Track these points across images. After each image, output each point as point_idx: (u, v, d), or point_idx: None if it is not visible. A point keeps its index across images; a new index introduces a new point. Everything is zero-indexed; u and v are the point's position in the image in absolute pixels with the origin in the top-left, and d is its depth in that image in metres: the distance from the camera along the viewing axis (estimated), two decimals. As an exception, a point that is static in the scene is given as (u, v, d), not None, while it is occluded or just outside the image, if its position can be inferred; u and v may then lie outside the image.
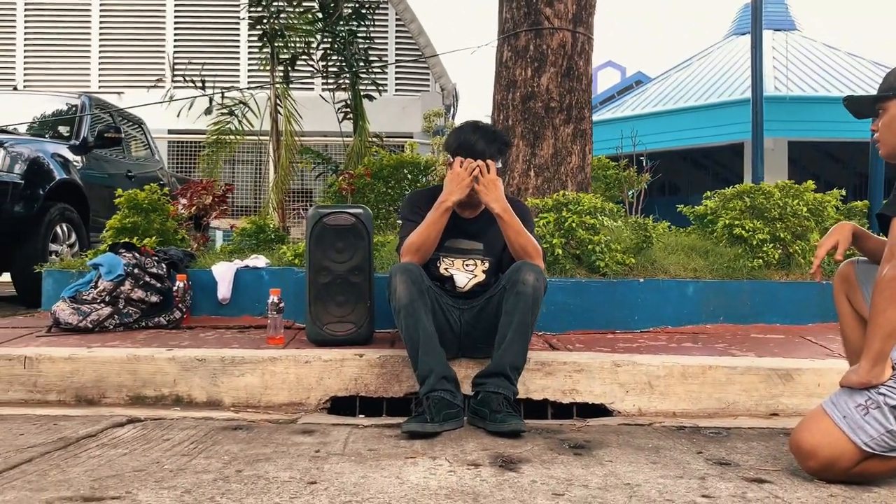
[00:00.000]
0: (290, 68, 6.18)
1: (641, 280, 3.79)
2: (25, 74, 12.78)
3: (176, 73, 6.18)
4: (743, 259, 4.03)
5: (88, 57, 12.96)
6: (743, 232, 4.07)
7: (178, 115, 6.13)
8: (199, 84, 6.07)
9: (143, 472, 1.90)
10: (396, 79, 13.08)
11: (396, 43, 13.01)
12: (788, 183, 4.28)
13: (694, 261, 4.08)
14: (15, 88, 8.57)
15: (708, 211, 4.55)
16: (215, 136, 6.45)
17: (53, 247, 5.31)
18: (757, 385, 2.90)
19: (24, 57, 12.91)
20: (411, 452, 2.18)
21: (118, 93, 11.81)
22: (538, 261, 2.72)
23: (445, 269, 2.85)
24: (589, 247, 3.80)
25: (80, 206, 5.67)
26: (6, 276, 5.61)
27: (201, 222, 4.53)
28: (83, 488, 1.77)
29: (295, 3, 6.10)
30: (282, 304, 3.26)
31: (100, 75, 12.93)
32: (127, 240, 4.06)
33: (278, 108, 6.03)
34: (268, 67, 6.21)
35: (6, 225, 4.88)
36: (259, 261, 3.92)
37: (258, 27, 5.99)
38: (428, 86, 13.07)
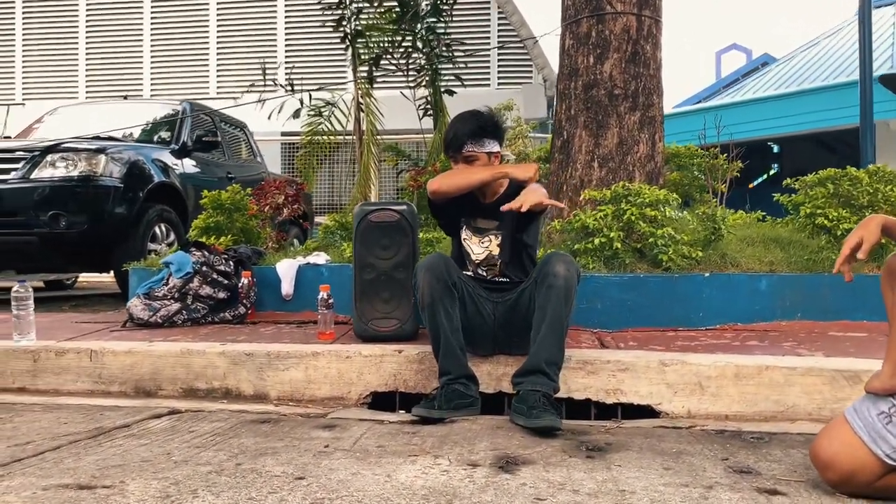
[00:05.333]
0: (373, 67, 6.28)
1: (706, 274, 3.58)
2: (152, 83, 13.68)
3: (268, 77, 6.38)
4: (827, 251, 3.74)
5: (207, 65, 13.71)
6: (826, 221, 3.77)
7: (268, 118, 6.36)
8: (288, 87, 6.27)
9: (148, 463, 1.99)
10: (499, 72, 12.98)
11: (499, 36, 12.91)
12: (881, 167, 3.93)
13: (772, 253, 3.82)
14: (125, 97, 9.16)
15: (806, 199, 4.23)
16: (308, 137, 6.68)
17: (153, 246, 5.63)
18: (820, 387, 2.68)
19: (151, 67, 13.81)
20: (418, 450, 2.16)
21: (234, 98, 12.37)
22: None
23: (465, 238, 2.97)
24: (651, 240, 3.63)
25: (178, 206, 5.99)
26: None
27: (276, 219, 4.68)
28: (84, 477, 1.86)
29: (376, 3, 6.19)
30: (331, 300, 3.31)
31: (217, 82, 13.63)
32: (199, 239, 4.26)
33: (360, 107, 6.13)
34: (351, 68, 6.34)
35: (107, 226, 5.22)
36: (320, 258, 4.01)
37: (339, 29, 6.11)
38: (531, 78, 12.88)
